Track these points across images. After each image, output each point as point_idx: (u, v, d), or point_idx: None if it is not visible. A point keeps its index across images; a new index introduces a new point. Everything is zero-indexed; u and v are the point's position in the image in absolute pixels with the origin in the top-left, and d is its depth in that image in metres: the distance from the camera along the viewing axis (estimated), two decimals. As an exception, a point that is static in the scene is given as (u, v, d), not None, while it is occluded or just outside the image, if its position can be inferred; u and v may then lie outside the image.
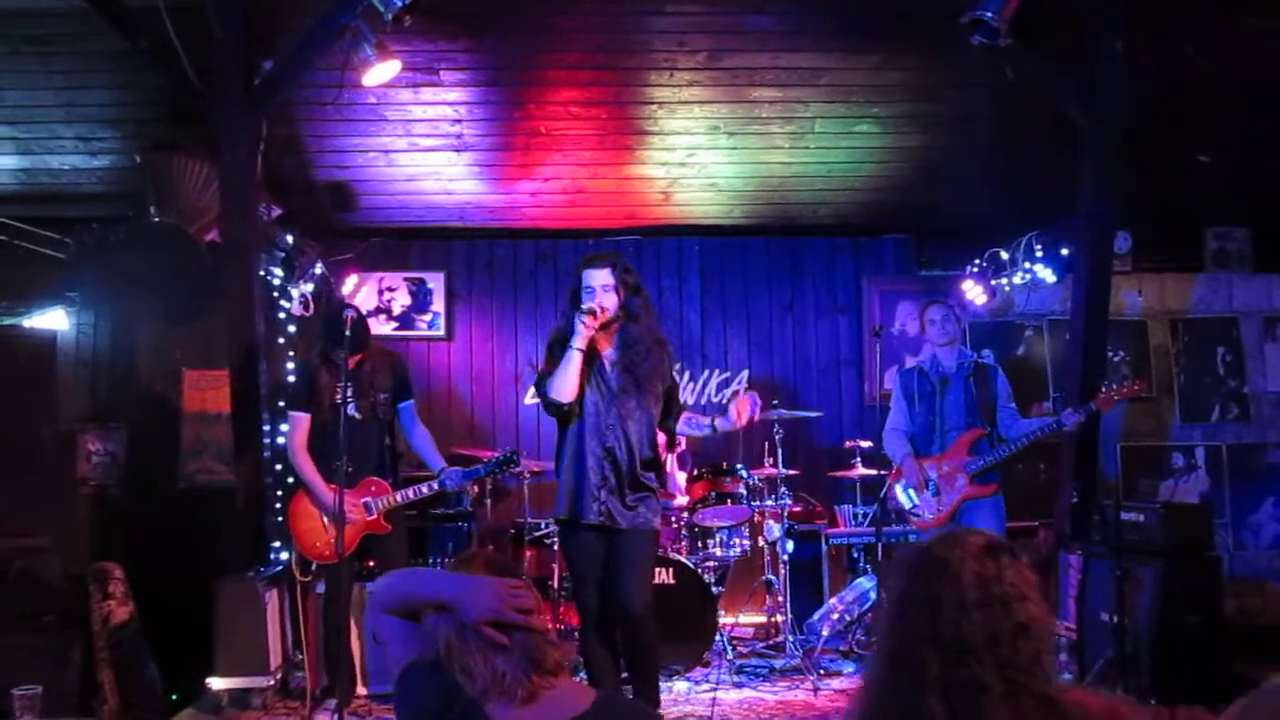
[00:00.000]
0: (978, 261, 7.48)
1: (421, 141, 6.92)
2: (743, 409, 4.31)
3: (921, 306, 6.14)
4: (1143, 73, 5.90)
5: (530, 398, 7.77)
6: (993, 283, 7.43)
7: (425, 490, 5.33)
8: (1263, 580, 7.41)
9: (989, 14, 5.23)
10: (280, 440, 5.92)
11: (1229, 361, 8.09)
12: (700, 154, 7.17)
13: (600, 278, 4.39)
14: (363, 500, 5.26)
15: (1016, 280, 7.31)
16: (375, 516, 5.27)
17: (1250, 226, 8.07)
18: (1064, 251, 6.83)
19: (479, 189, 7.49)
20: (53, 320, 7.01)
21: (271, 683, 5.41)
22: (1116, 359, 7.71)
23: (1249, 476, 7.96)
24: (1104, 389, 5.50)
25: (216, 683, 5.30)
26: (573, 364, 4.31)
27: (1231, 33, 5.88)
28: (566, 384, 4.33)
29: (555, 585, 6.29)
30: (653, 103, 6.69)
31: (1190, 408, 8.02)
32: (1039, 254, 6.97)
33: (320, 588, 5.45)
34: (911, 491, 5.75)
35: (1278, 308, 8.12)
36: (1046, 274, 7.03)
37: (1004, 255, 7.29)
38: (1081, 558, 5.82)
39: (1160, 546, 5.32)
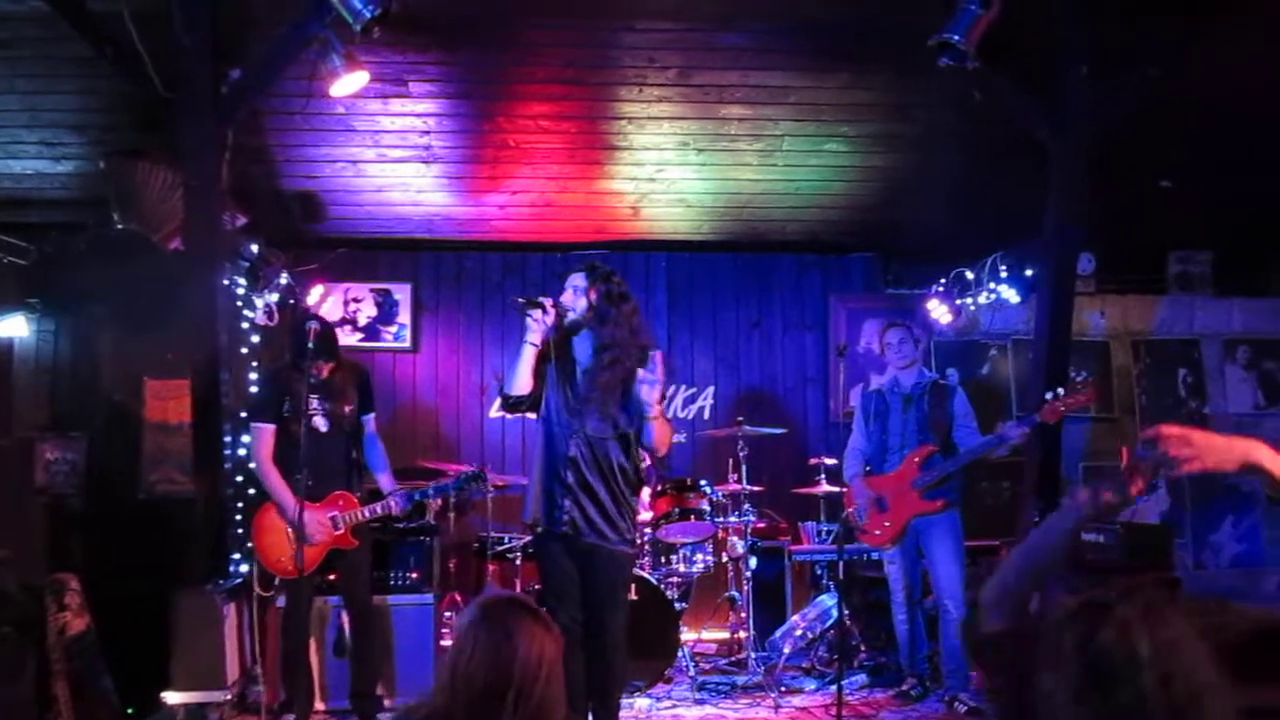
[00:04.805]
0: (943, 281, 7.53)
1: (390, 153, 6.90)
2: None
3: (880, 329, 6.17)
4: (1110, 97, 5.96)
5: (496, 410, 7.75)
6: (958, 302, 7.48)
7: (380, 509, 5.29)
8: (1224, 600, 7.46)
9: (956, 36, 5.27)
10: (241, 451, 5.87)
11: (1190, 383, 8.17)
12: (669, 170, 7.18)
13: (574, 280, 4.41)
14: (330, 515, 5.20)
15: (981, 300, 7.37)
16: (342, 531, 5.22)
17: (1212, 250, 8.18)
18: (1028, 272, 6.89)
19: (447, 201, 7.47)
20: (13, 327, 6.93)
21: (228, 697, 5.34)
22: (1079, 379, 7.76)
23: (1209, 497, 8.03)
24: (1048, 400, 5.52)
25: (172, 697, 5.23)
26: (524, 357, 4.33)
27: (1195, 58, 5.94)
28: (518, 377, 4.34)
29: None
30: (622, 118, 6.70)
31: (1152, 428, 8.06)
32: (1004, 274, 7.04)
33: (280, 601, 5.39)
34: (856, 511, 5.79)
35: (1238, 330, 8.22)
36: (1011, 294, 7.10)
37: (969, 275, 7.35)
38: (1043, 577, 5.84)
39: (1120, 567, 5.36)
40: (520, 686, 2.03)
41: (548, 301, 4.33)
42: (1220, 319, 8.21)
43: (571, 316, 4.36)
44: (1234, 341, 8.21)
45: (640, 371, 4.23)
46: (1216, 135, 6.81)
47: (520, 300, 4.36)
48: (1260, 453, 1.87)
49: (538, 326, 4.31)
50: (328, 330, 5.28)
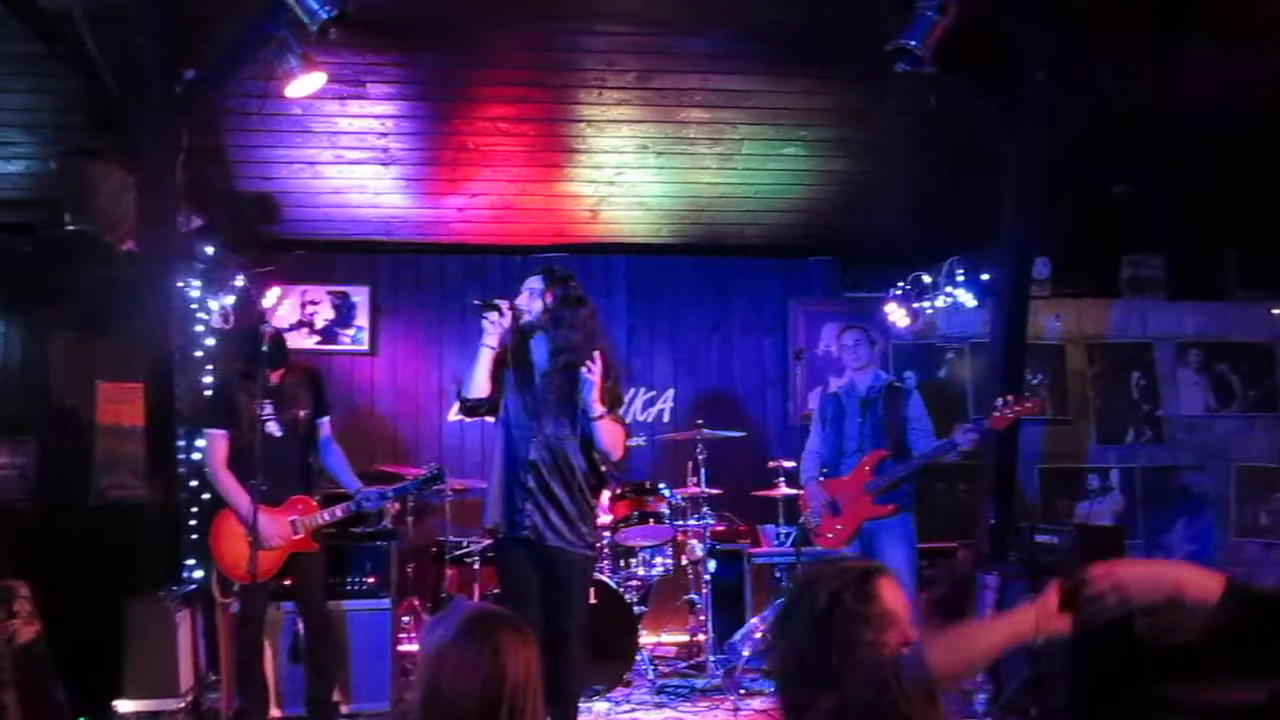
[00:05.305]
0: (901, 284, 7.58)
1: (347, 154, 6.85)
2: None
3: (837, 332, 6.22)
4: (1066, 103, 6.02)
5: (455, 414, 7.70)
6: (915, 305, 7.54)
7: (340, 512, 5.25)
8: (1175, 599, 7.56)
9: (913, 42, 5.30)
10: (195, 456, 5.80)
11: (1143, 386, 8.28)
12: (628, 173, 7.18)
13: (530, 283, 4.42)
14: (290, 519, 5.15)
15: (939, 303, 7.43)
16: (302, 535, 5.18)
17: (1165, 254, 8.29)
18: (984, 276, 6.96)
19: (406, 203, 7.43)
20: (-39, 329, 6.82)
21: (182, 705, 5.29)
22: (1035, 382, 7.85)
23: (1162, 498, 8.14)
24: (998, 408, 5.58)
25: (124, 705, 5.17)
26: (481, 359, 4.33)
27: (1150, 65, 6.02)
28: (474, 379, 4.35)
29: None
30: (581, 121, 6.69)
31: (1106, 430, 8.19)
32: (960, 278, 7.10)
33: (235, 607, 5.33)
34: (811, 513, 5.83)
35: (1190, 334, 8.34)
36: (967, 298, 7.17)
37: (926, 279, 7.41)
38: (999, 578, 5.90)
39: (1074, 568, 5.40)
40: (512, 704, 2.01)
41: (504, 304, 4.33)
42: (1173, 322, 8.33)
43: (527, 319, 4.36)
44: (1186, 345, 8.33)
45: (581, 372, 4.24)
46: (1169, 141, 6.90)
47: (477, 302, 4.35)
48: (1183, 576, 1.97)
49: (494, 329, 4.30)
50: (278, 336, 5.24)
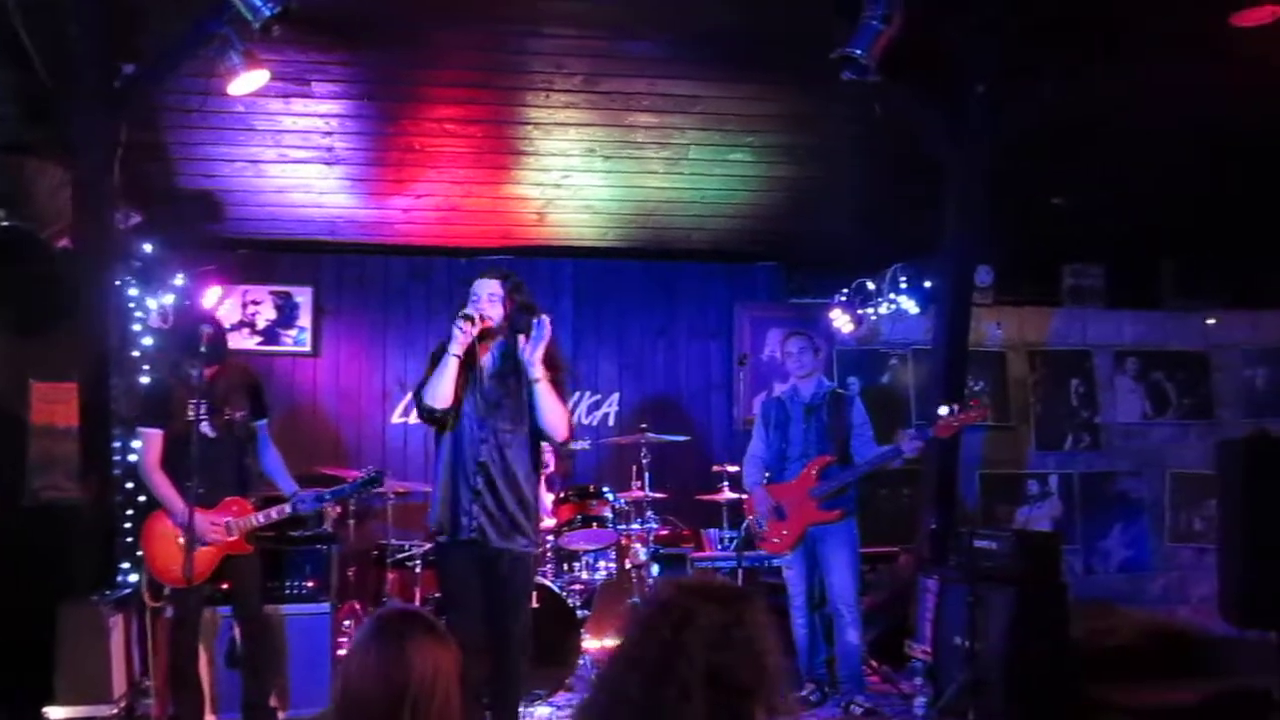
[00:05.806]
0: (845, 291, 7.64)
1: (291, 153, 6.77)
2: None
3: (782, 338, 6.26)
4: (1008, 113, 6.09)
5: (398, 416, 7.67)
6: (859, 311, 7.60)
7: (275, 515, 5.19)
8: (1112, 604, 7.68)
9: (858, 51, 5.34)
10: (131, 457, 5.70)
11: (1082, 393, 8.39)
12: (575, 176, 7.16)
13: (488, 287, 4.41)
14: (224, 520, 5.08)
15: (882, 310, 7.51)
16: (236, 537, 5.11)
17: (1104, 264, 8.41)
18: (927, 283, 7.03)
19: (350, 203, 7.36)
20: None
21: (115, 711, 5.19)
22: (977, 388, 7.92)
23: (1099, 503, 8.25)
24: (943, 417, 5.64)
25: (55, 712, 5.06)
26: (449, 369, 4.29)
27: (1091, 77, 6.10)
28: (441, 389, 4.30)
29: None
30: (529, 123, 6.67)
31: (1045, 437, 8.29)
32: (903, 285, 7.18)
33: (170, 611, 5.24)
34: (758, 517, 5.85)
35: (1128, 342, 8.47)
36: (910, 304, 7.25)
37: (870, 285, 7.47)
38: (938, 583, 5.96)
39: (1011, 574, 5.47)
40: (415, 701, 2.01)
41: (477, 314, 4.32)
42: (1111, 331, 8.45)
43: (489, 325, 4.37)
44: (1124, 353, 8.45)
45: (521, 339, 4.27)
46: (1110, 152, 7.01)
47: (463, 314, 4.31)
48: None
49: (464, 339, 4.28)
50: (219, 334, 5.17)
